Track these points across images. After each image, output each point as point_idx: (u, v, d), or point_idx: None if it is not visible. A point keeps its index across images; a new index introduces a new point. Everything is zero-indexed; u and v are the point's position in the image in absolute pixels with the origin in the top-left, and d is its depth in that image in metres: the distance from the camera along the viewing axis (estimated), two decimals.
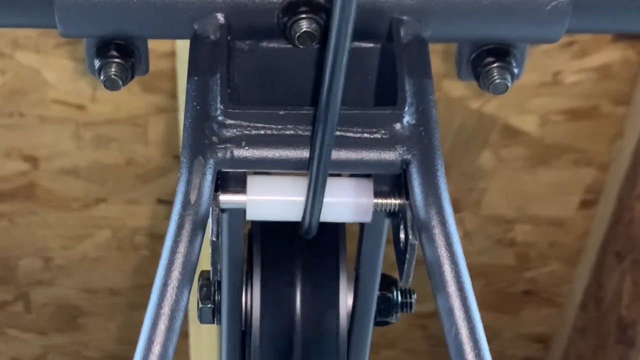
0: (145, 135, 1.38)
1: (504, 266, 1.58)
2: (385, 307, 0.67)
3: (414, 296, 0.68)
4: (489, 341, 0.46)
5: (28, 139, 1.39)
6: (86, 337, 1.69)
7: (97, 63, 0.55)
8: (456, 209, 1.60)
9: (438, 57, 1.20)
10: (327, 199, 0.51)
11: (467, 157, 1.41)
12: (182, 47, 1.23)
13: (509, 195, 1.47)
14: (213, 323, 0.67)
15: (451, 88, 1.32)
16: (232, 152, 0.49)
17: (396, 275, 0.55)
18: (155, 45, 1.26)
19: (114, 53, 0.55)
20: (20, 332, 1.67)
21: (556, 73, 1.32)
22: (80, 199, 1.47)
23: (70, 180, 1.44)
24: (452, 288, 0.47)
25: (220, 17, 0.52)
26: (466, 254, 0.48)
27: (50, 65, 1.30)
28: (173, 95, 1.32)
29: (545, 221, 1.51)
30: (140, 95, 1.33)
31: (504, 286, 1.61)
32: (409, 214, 0.50)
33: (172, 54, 1.26)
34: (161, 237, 0.48)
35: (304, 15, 0.51)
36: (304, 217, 0.52)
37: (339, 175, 0.53)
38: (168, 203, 1.46)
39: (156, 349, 0.45)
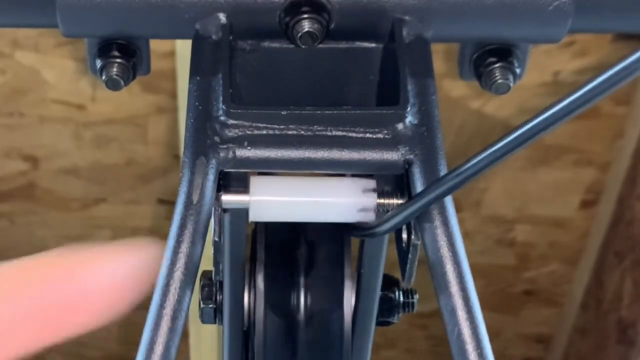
0: (145, 135, 1.38)
1: (504, 266, 1.58)
2: (387, 307, 0.67)
3: (416, 296, 0.67)
4: (489, 341, 0.46)
5: (28, 138, 1.39)
6: (86, 337, 1.69)
7: (98, 63, 0.55)
8: (456, 208, 1.60)
9: (439, 57, 1.20)
10: (329, 199, 0.51)
11: (468, 157, 1.41)
12: (182, 46, 1.23)
13: (509, 195, 1.47)
14: (215, 323, 0.67)
15: (451, 88, 1.32)
16: (234, 152, 0.49)
17: (398, 275, 0.55)
18: (155, 45, 1.25)
19: (116, 53, 0.55)
20: None
21: (556, 73, 1.32)
22: (80, 199, 1.47)
23: (70, 180, 1.44)
24: (454, 288, 0.47)
25: (222, 17, 0.52)
26: (466, 254, 0.48)
27: (50, 65, 1.30)
28: (173, 95, 1.32)
29: (546, 221, 1.51)
30: (140, 95, 1.33)
31: (504, 286, 1.61)
32: None
33: (172, 54, 1.26)
34: (161, 237, 0.48)
35: (306, 16, 0.51)
36: None
37: (342, 175, 0.53)
38: (168, 203, 1.46)
39: (158, 349, 0.45)
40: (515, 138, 0.43)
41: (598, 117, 1.37)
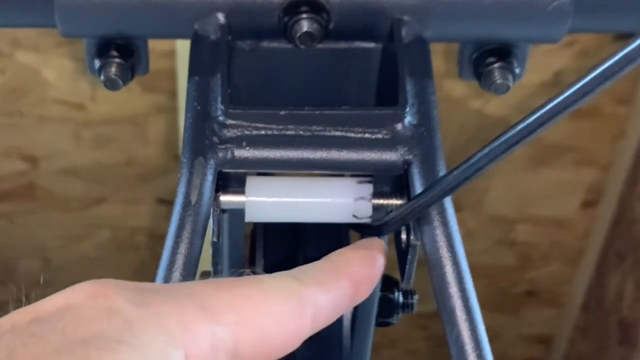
0: (145, 135, 1.38)
1: (505, 266, 1.58)
2: (387, 308, 0.67)
3: (416, 297, 0.67)
4: (490, 342, 0.46)
5: (27, 138, 1.38)
6: None
7: (97, 63, 0.55)
8: (457, 208, 1.59)
9: (439, 57, 1.20)
10: (324, 200, 0.51)
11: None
12: (182, 46, 1.23)
13: (510, 195, 1.47)
14: None
15: (451, 88, 1.32)
16: (232, 153, 0.49)
17: (398, 276, 0.55)
18: (155, 45, 1.25)
19: (114, 53, 0.54)
20: None
21: (557, 73, 1.31)
22: (80, 199, 1.46)
23: (70, 180, 1.44)
24: (453, 289, 0.47)
25: (221, 17, 0.52)
26: (467, 254, 0.48)
27: (50, 64, 1.30)
28: (173, 95, 1.32)
29: (547, 221, 1.50)
30: (140, 95, 1.33)
31: (505, 286, 1.61)
32: None
33: (171, 54, 1.26)
34: (161, 237, 0.48)
35: (304, 16, 0.51)
36: None
37: (341, 175, 0.53)
38: (168, 203, 1.45)
39: None
40: (513, 136, 0.43)
41: (599, 116, 1.36)
